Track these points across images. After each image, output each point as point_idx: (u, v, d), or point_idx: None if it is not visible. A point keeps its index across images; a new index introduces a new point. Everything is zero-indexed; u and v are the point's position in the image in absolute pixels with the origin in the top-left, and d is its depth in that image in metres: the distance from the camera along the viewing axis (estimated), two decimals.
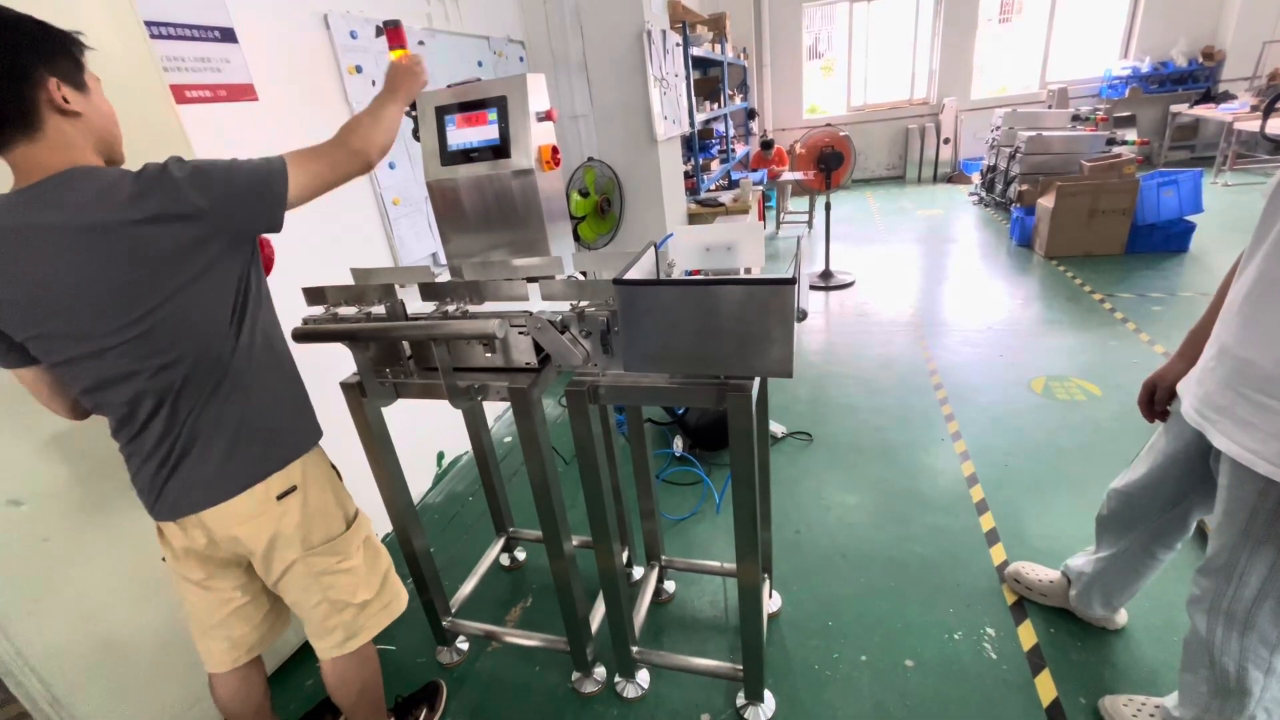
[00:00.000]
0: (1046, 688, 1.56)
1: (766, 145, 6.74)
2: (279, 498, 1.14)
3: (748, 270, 1.50)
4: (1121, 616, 1.68)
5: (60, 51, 0.94)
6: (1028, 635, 1.70)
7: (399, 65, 1.32)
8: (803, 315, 1.14)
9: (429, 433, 2.71)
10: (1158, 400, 1.34)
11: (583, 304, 1.22)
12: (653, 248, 1.35)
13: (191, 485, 1.08)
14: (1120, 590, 1.58)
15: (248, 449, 1.10)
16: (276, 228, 1.06)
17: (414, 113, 1.55)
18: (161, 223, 0.93)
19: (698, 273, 1.52)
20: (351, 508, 1.30)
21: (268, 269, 1.33)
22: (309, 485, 1.18)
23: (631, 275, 1.15)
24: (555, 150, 1.50)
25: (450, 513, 2.56)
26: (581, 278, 1.40)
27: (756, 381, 1.21)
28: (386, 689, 1.68)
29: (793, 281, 1.01)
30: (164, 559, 1.21)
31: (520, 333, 1.27)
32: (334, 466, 1.30)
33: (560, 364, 1.26)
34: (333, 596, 1.24)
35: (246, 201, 1.01)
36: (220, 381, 1.06)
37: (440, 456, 2.79)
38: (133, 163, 1.37)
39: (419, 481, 2.65)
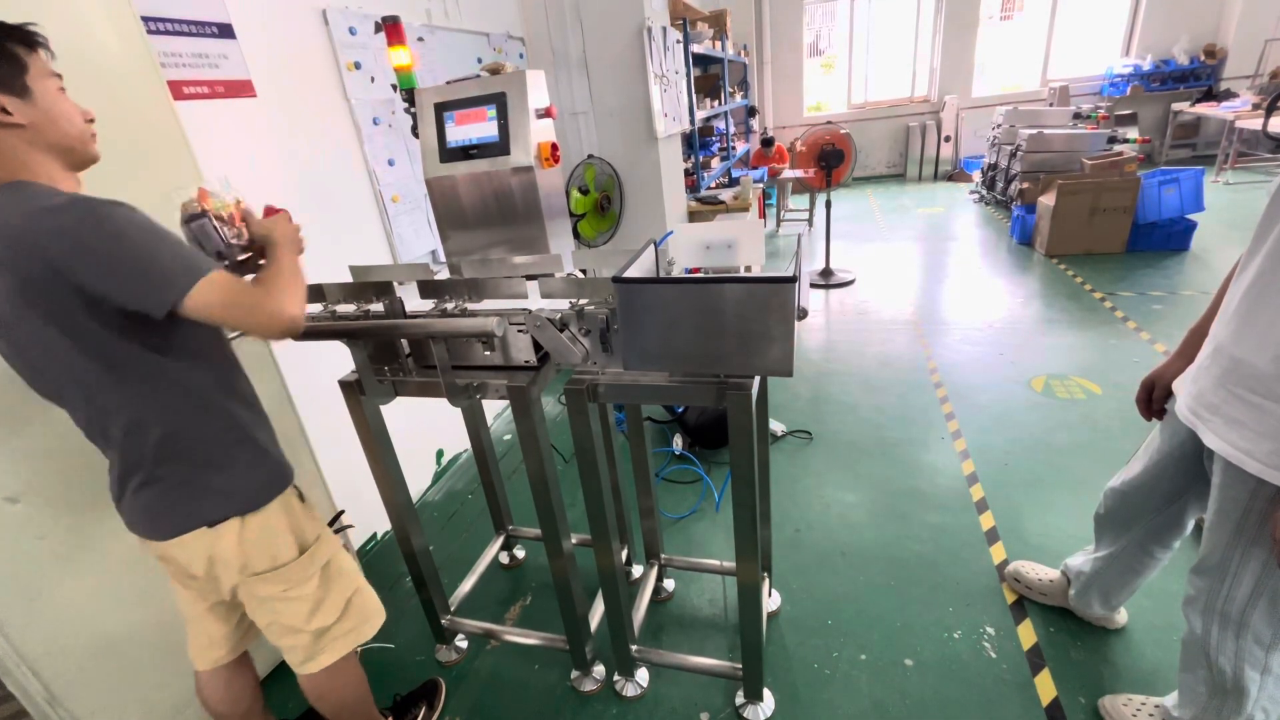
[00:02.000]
0: (1046, 687, 1.56)
1: (767, 143, 6.73)
2: (210, 525, 1.08)
3: (748, 268, 1.49)
4: (1121, 616, 1.68)
5: None
6: (1027, 634, 1.70)
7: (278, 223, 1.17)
8: (803, 313, 1.13)
9: (428, 431, 2.70)
10: (1155, 398, 1.34)
11: (582, 302, 1.21)
12: (652, 245, 1.35)
13: (132, 512, 1.09)
14: (1119, 589, 1.58)
15: (179, 499, 1.06)
16: (153, 310, 0.90)
17: (413, 109, 1.54)
18: (46, 263, 0.86)
19: (698, 271, 1.52)
20: (311, 534, 1.21)
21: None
22: (249, 515, 1.11)
23: (631, 273, 1.14)
24: (555, 147, 1.49)
25: (449, 511, 2.55)
26: (581, 275, 1.39)
27: (756, 380, 1.21)
28: (385, 687, 1.68)
29: (793, 280, 1.01)
30: None
31: (519, 331, 1.27)
32: (297, 489, 1.22)
33: (559, 362, 1.26)
34: (282, 621, 1.19)
35: (130, 270, 0.88)
36: (141, 425, 1.00)
37: (439, 454, 2.79)
38: (131, 158, 1.38)
39: (418, 479, 2.65)
